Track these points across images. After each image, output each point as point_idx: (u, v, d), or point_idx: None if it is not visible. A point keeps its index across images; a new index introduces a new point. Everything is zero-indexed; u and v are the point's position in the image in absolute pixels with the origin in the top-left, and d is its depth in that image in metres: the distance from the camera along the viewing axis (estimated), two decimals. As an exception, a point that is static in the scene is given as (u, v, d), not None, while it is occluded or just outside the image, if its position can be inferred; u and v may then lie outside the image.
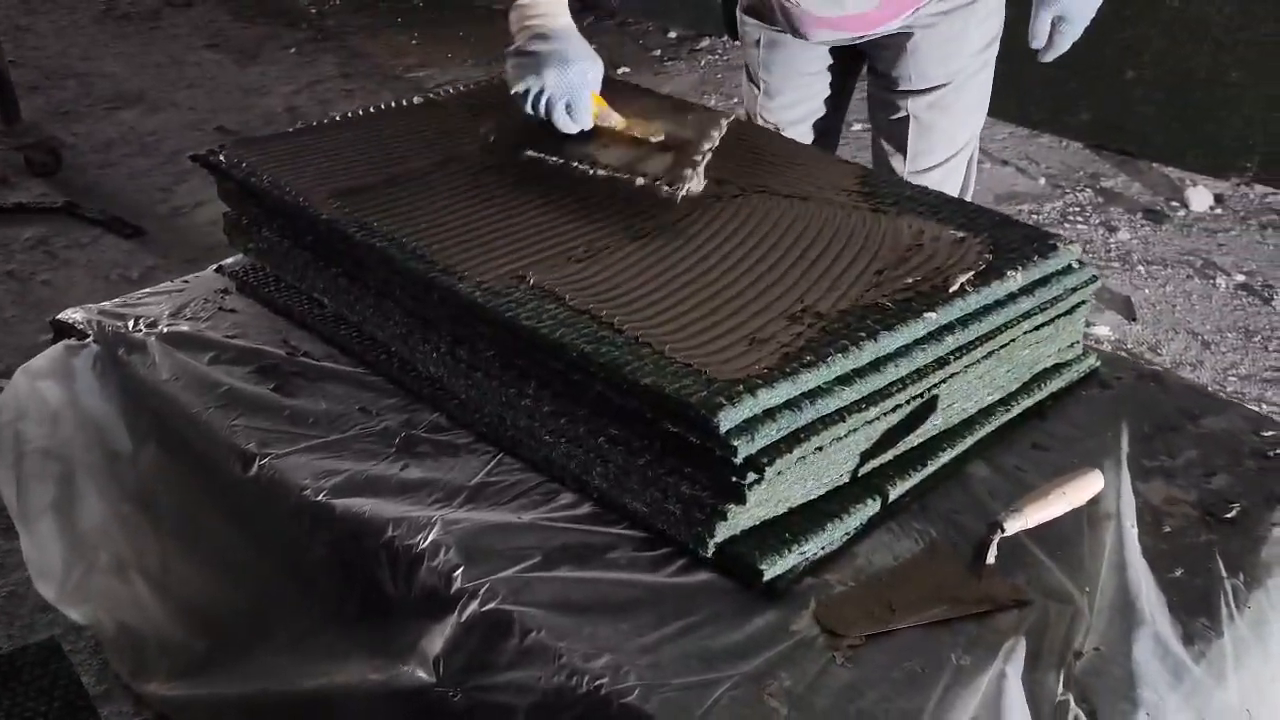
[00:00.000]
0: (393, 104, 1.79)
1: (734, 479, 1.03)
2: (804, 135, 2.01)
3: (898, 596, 1.06)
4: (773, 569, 1.05)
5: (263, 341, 1.49)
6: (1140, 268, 2.97)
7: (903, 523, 1.18)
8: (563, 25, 1.42)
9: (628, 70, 4.60)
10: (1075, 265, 1.40)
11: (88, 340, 1.52)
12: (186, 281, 1.70)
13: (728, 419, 1.01)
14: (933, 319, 1.21)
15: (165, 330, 1.52)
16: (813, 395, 1.08)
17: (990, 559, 1.10)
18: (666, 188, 1.39)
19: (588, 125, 1.46)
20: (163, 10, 5.52)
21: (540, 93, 1.41)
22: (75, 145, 3.83)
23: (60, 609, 1.54)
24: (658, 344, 1.12)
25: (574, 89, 1.40)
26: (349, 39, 5.05)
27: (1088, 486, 1.15)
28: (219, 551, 1.38)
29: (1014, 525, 1.10)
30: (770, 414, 1.04)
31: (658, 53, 4.86)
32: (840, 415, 1.09)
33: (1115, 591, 1.08)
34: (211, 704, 1.39)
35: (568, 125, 1.45)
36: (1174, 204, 3.35)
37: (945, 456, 1.24)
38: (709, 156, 1.39)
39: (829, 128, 2.05)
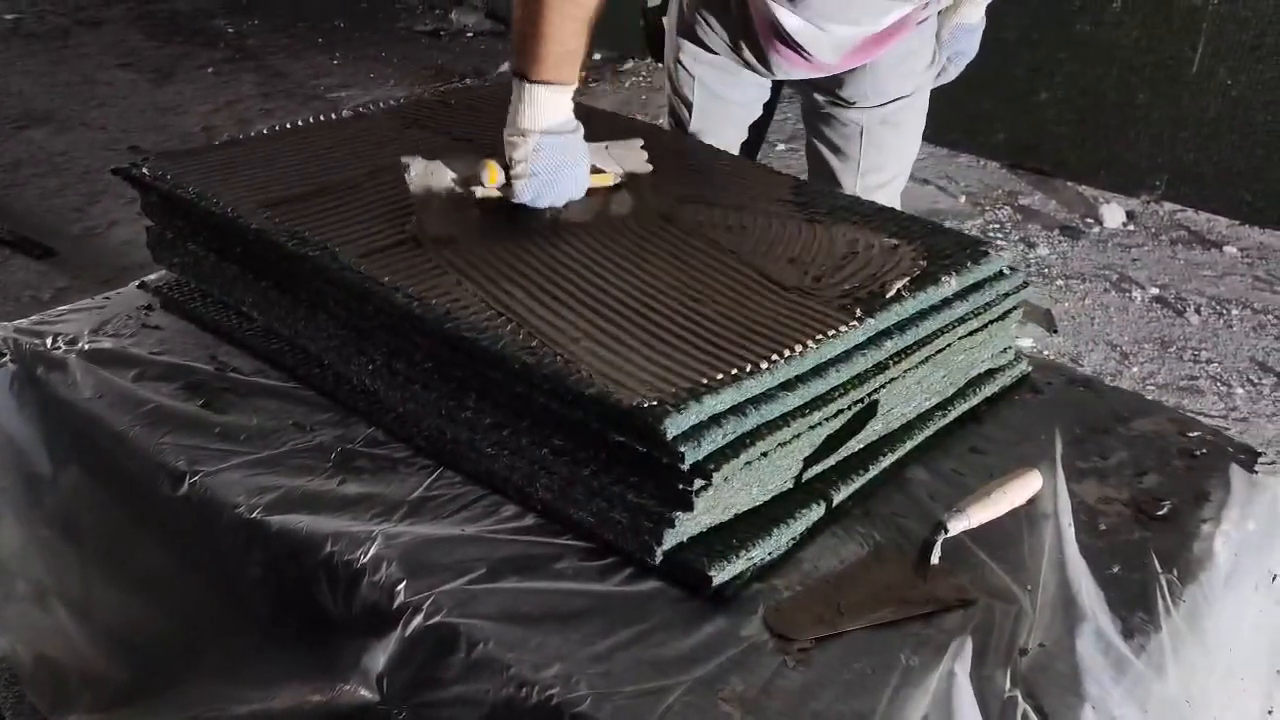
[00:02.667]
0: (320, 118, 1.76)
1: (681, 486, 1.02)
2: (743, 154, 2.01)
3: (845, 599, 1.06)
4: (721, 575, 1.05)
5: (190, 358, 1.45)
6: (1060, 282, 3.05)
7: (847, 527, 1.18)
8: (565, 120, 1.39)
9: (553, 91, 4.60)
10: (1006, 271, 1.43)
11: (4, 359, 1.46)
12: (107, 298, 1.64)
13: (674, 426, 1.00)
14: (872, 324, 1.22)
15: (86, 348, 1.46)
16: (757, 401, 1.08)
17: (935, 559, 1.11)
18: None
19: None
20: (72, 29, 5.38)
21: (545, 191, 1.39)
22: (-19, 165, 3.70)
23: (-25, 639, 1.47)
24: (600, 354, 1.12)
25: (580, 187, 1.42)
26: (269, 59, 4.97)
27: (1028, 486, 1.17)
28: (146, 575, 1.33)
29: (957, 526, 1.11)
30: (716, 420, 1.04)
31: (582, 74, 4.87)
32: (784, 421, 1.10)
33: (1056, 589, 1.10)
34: (138, 735, 1.34)
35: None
36: (1089, 221, 3.46)
37: (886, 461, 1.26)
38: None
39: (751, 150, 2.06)
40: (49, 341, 1.48)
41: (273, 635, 1.19)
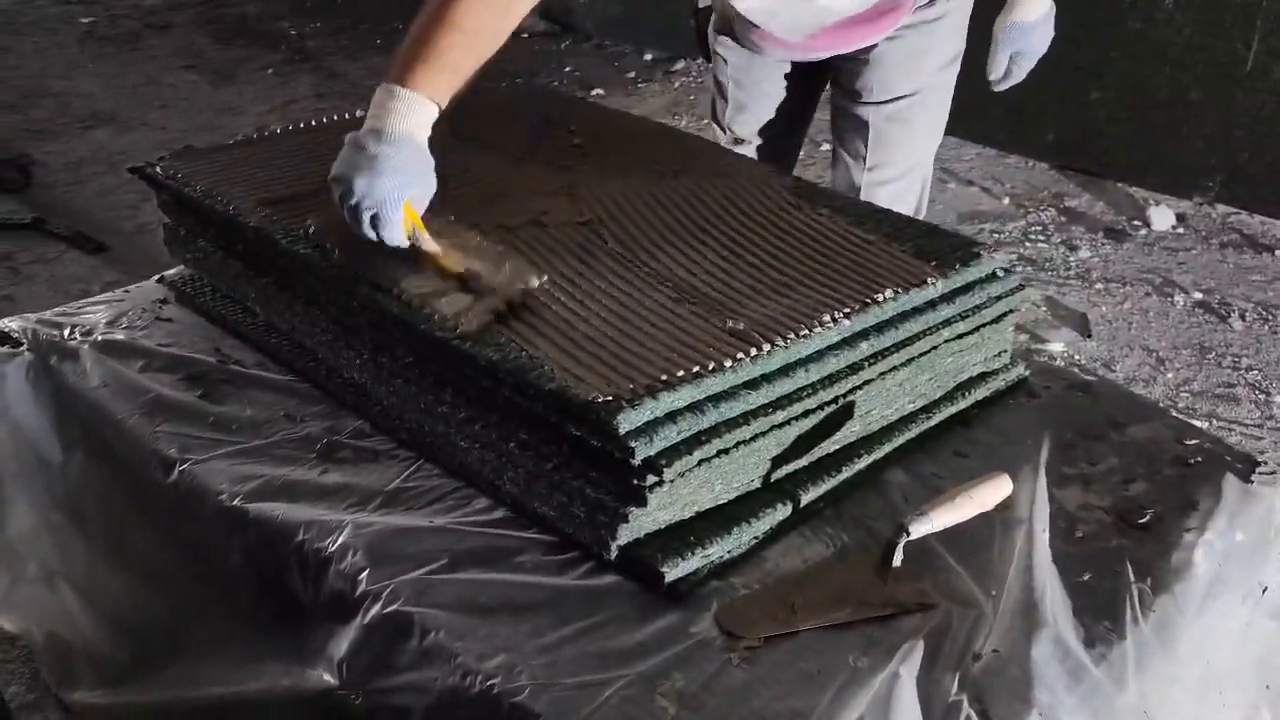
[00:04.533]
0: (334, 118, 1.80)
1: (635, 482, 1.03)
2: (768, 148, 2.04)
3: (801, 599, 1.06)
4: (674, 571, 1.05)
5: (195, 350, 1.49)
6: (1099, 285, 2.99)
7: (815, 527, 1.18)
8: (403, 131, 1.23)
9: (601, 92, 4.63)
10: (1000, 273, 1.41)
11: (22, 348, 1.53)
12: (128, 291, 1.71)
13: (627, 421, 1.01)
14: (848, 325, 1.22)
15: (99, 339, 1.52)
16: (718, 399, 1.08)
17: (896, 562, 1.10)
18: (451, 324, 1.18)
19: (393, 242, 1.25)
20: (142, 32, 5.55)
21: (349, 193, 1.22)
22: (47, 163, 3.84)
23: (-9, 617, 1.54)
24: (567, 350, 1.13)
25: (382, 203, 1.21)
26: (327, 60, 5.08)
27: (996, 490, 1.16)
28: (142, 559, 1.38)
29: (919, 529, 1.11)
30: (672, 417, 1.05)
31: (632, 74, 4.89)
32: (745, 419, 1.10)
33: (1020, 594, 1.09)
34: (133, 712, 1.38)
35: (370, 237, 1.25)
36: (1136, 223, 3.38)
37: (861, 463, 1.25)
38: (502, 308, 1.18)
39: (791, 143, 2.09)
40: (66, 332, 1.54)
41: (251, 620, 1.23)
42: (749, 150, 2.03)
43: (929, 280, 1.31)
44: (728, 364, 1.11)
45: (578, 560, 1.11)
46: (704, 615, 1.04)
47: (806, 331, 1.18)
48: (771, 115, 2.01)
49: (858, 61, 1.86)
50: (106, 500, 1.41)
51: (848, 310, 1.23)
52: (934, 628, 1.04)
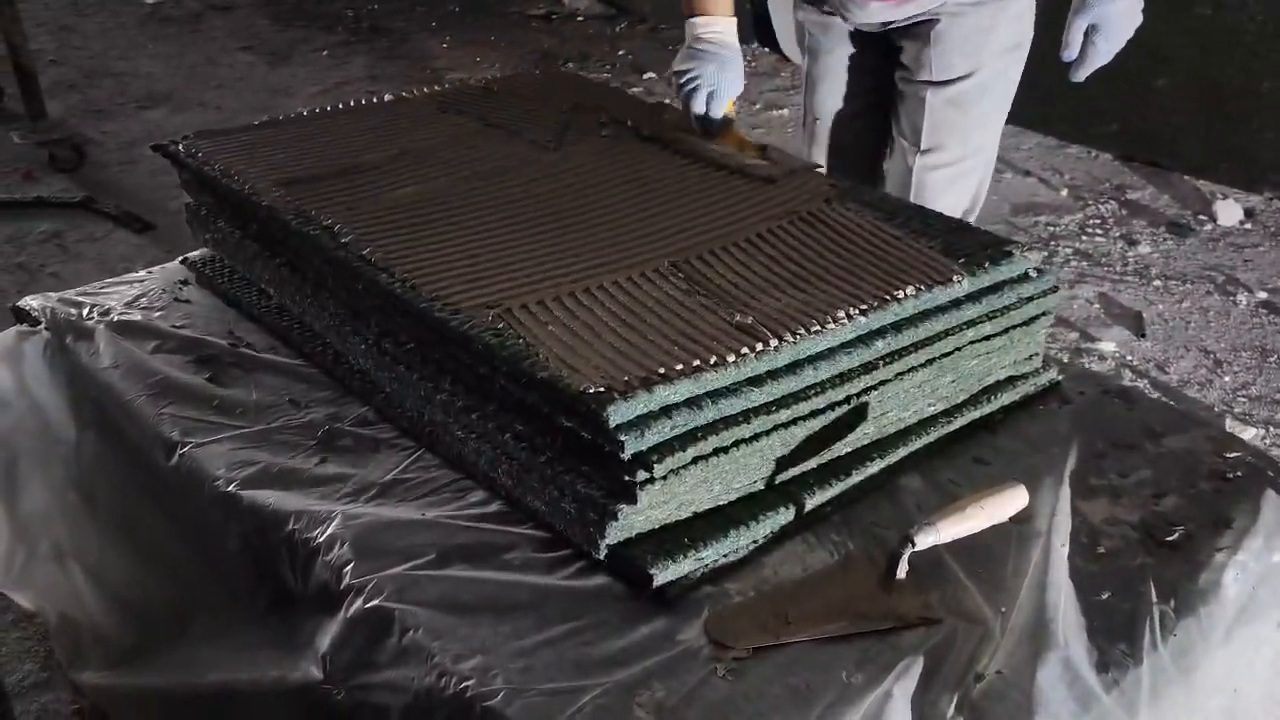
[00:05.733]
0: (362, 100, 1.79)
1: (625, 478, 1.00)
2: (844, 127, 2.00)
3: (797, 609, 1.02)
4: (663, 574, 1.02)
5: (209, 332, 1.49)
6: (1157, 282, 2.88)
7: (820, 534, 1.13)
8: (732, 43, 1.70)
9: (653, 75, 4.58)
10: (1034, 273, 1.34)
11: (40, 327, 1.53)
12: (151, 272, 1.71)
13: (618, 414, 0.98)
14: (863, 323, 1.16)
15: (116, 319, 1.52)
16: (717, 395, 1.04)
17: (901, 574, 1.05)
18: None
19: (717, 115, 1.68)
20: (204, 13, 5.61)
21: (695, 77, 1.66)
22: (102, 142, 3.89)
23: (7, 594, 1.55)
24: (566, 340, 1.10)
25: (721, 85, 1.66)
26: (381, 42, 5.09)
27: (1010, 502, 1.10)
28: (148, 542, 1.37)
29: (926, 540, 1.05)
30: (667, 411, 1.01)
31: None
32: (746, 417, 1.06)
33: (1031, 613, 1.03)
34: (136, 695, 1.38)
35: (699, 109, 1.67)
36: (1201, 218, 3.25)
37: (873, 467, 1.20)
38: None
39: (858, 127, 2.01)
40: (83, 312, 1.54)
41: (246, 608, 1.21)
42: (823, 130, 2.01)
43: (954, 278, 1.25)
44: (730, 359, 1.06)
45: (569, 559, 1.07)
46: (693, 622, 1.00)
47: (819, 327, 1.13)
48: (838, 82, 1.99)
49: (919, 38, 1.82)
50: (113, 480, 1.41)
51: (864, 307, 1.18)
52: (935, 645, 0.99)
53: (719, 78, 1.66)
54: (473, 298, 1.16)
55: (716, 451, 1.04)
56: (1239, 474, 1.26)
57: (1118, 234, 3.15)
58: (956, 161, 1.89)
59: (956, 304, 1.25)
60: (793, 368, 1.10)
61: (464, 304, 1.15)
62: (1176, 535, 1.15)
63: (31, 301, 1.58)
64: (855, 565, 1.09)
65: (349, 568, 1.06)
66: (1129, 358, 2.54)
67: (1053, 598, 1.04)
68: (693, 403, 1.03)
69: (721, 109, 1.68)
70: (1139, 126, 3.58)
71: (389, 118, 1.70)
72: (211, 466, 1.23)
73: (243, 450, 1.25)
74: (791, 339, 1.11)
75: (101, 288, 1.64)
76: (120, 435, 1.37)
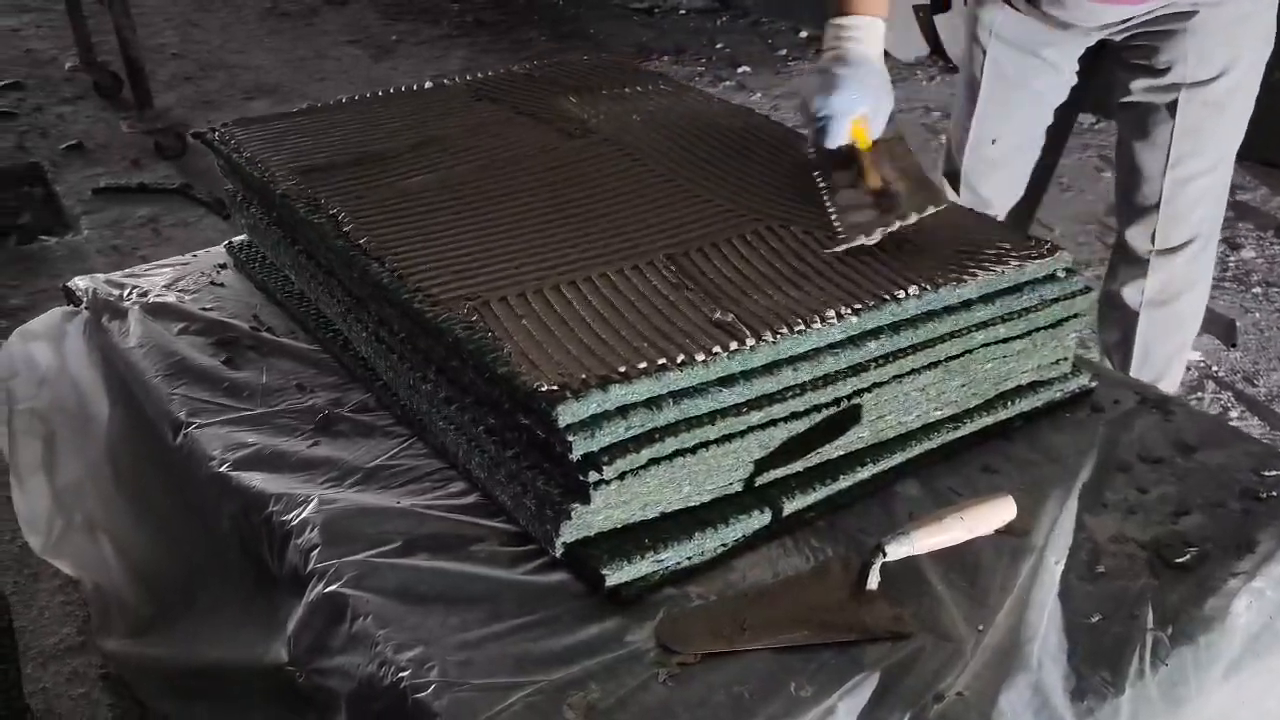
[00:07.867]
0: (402, 88, 1.80)
1: (581, 477, 0.98)
2: (1010, 166, 1.84)
3: (756, 616, 0.98)
4: (617, 575, 0.99)
5: (233, 315, 1.52)
6: (1257, 289, 2.70)
7: (799, 539, 1.09)
8: (859, 53, 1.39)
9: (748, 69, 4.52)
10: (1061, 274, 1.27)
11: (82, 306, 1.59)
12: (195, 255, 1.76)
13: (569, 413, 0.96)
14: (854, 322, 1.12)
15: (151, 301, 1.57)
16: (681, 395, 1.01)
17: (872, 584, 1.00)
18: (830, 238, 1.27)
19: (833, 147, 1.39)
20: (320, 8, 5.78)
21: (806, 107, 1.40)
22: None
23: (48, 560, 1.62)
24: (535, 334, 1.08)
25: (835, 114, 1.36)
26: (482, 35, 5.16)
27: (994, 513, 1.03)
28: (160, 518, 1.41)
29: (898, 550, 1.00)
30: (623, 411, 0.98)
31: (784, 52, 4.75)
32: (712, 418, 1.02)
33: (1008, 632, 0.97)
34: (149, 666, 1.43)
35: (818, 144, 1.41)
36: (1314, 222, 3.04)
37: (865, 472, 1.15)
38: (895, 227, 1.26)
39: (1042, 163, 1.86)
40: (123, 293, 1.59)
41: (240, 586, 1.23)
42: (999, 156, 1.80)
43: (963, 278, 1.19)
44: (700, 357, 1.03)
45: (533, 554, 1.06)
46: (646, 624, 0.97)
47: (803, 327, 1.09)
48: (1023, 123, 1.79)
49: (1169, 33, 1.65)
50: (136, 457, 1.45)
51: (859, 306, 1.13)
52: (898, 661, 0.94)
53: (829, 104, 1.36)
54: (454, 289, 1.15)
55: (679, 453, 1.01)
56: (1274, 494, 1.17)
57: (1221, 236, 2.96)
58: (1211, 169, 1.74)
59: (967, 305, 1.19)
60: (769, 368, 1.06)
61: (443, 296, 1.14)
62: (1188, 557, 1.07)
63: (79, 282, 1.65)
64: (829, 573, 1.05)
65: (315, 552, 1.07)
66: (1215, 368, 2.39)
67: (1034, 617, 0.98)
68: (653, 403, 1.00)
69: (839, 139, 1.38)
70: (1254, 122, 3.36)
71: (421, 105, 1.71)
72: (210, 446, 1.25)
73: (240, 432, 1.27)
74: (771, 338, 1.07)
75: (147, 270, 1.70)
76: (139, 413, 1.42)
